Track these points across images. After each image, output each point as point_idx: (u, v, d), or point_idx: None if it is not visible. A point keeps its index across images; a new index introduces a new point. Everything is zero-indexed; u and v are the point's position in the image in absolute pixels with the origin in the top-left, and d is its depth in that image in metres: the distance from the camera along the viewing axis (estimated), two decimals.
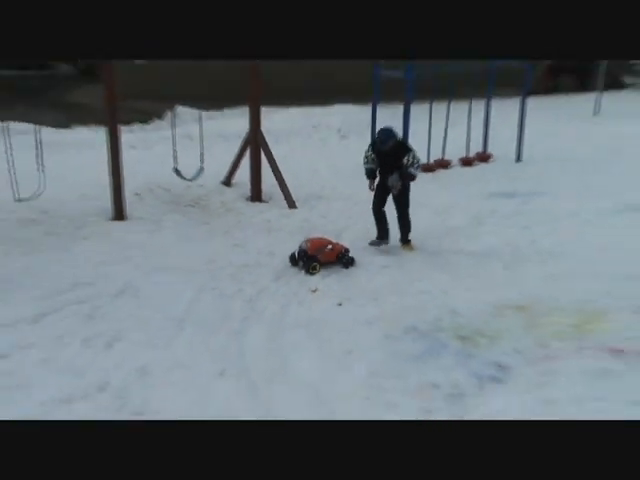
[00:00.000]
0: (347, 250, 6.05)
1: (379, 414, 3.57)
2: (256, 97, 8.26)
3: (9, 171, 6.49)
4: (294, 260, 5.96)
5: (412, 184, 6.30)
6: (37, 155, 6.67)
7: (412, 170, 6.04)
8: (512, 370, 4.04)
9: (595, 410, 3.54)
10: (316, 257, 5.81)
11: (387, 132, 6.12)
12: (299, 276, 5.74)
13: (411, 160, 6.00)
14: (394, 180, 6.12)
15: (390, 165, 6.13)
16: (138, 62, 14.58)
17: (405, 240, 6.39)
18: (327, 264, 5.88)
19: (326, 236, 6.28)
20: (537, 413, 3.54)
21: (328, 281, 5.61)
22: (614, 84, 18.08)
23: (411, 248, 6.35)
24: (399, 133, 6.36)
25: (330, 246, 5.97)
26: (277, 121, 14.02)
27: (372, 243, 6.39)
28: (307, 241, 5.97)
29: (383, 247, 6.39)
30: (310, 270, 5.73)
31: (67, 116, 14.33)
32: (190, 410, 3.61)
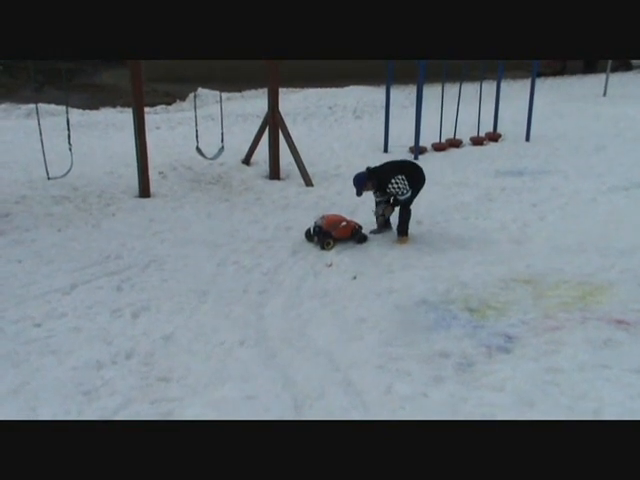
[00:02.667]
0: (360, 227, 6.15)
1: (391, 380, 3.68)
2: (274, 79, 8.38)
3: (42, 151, 6.64)
4: (309, 236, 6.07)
5: (424, 164, 6.27)
6: (68, 136, 6.83)
7: (400, 199, 5.92)
8: (519, 340, 4.11)
9: (599, 377, 3.65)
10: (330, 233, 5.90)
11: (354, 182, 6.00)
12: (315, 251, 5.85)
13: (394, 191, 5.86)
14: (378, 209, 6.14)
15: (384, 196, 6.11)
16: None
17: (400, 232, 6.07)
18: (341, 240, 5.98)
19: (341, 212, 6.39)
20: (543, 380, 3.65)
21: (343, 256, 5.70)
22: (622, 66, 17.76)
23: (404, 241, 6.01)
24: (369, 170, 6.02)
25: (344, 223, 6.05)
26: (294, 102, 14.11)
27: (373, 232, 6.30)
28: (322, 218, 6.07)
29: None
30: (325, 246, 5.85)
31: (95, 98, 14.60)
32: (211, 377, 3.75)
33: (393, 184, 5.82)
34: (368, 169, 6.02)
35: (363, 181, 5.95)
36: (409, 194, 5.90)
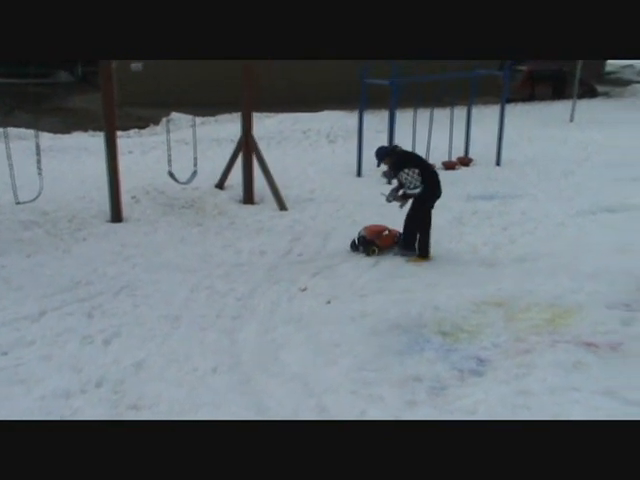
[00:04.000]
0: (402, 235, 6.36)
1: (364, 406, 3.68)
2: (249, 103, 8.43)
3: (10, 175, 6.53)
4: (355, 246, 6.36)
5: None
6: (37, 160, 6.75)
7: (409, 192, 6.04)
8: (491, 363, 4.17)
9: (568, 400, 3.71)
10: (374, 242, 6.23)
11: (376, 153, 6.29)
12: (289, 275, 5.85)
13: (403, 180, 6.00)
14: (389, 196, 6.28)
15: (394, 181, 6.32)
16: (134, 68, 14.72)
17: (420, 250, 6.23)
18: (386, 248, 6.28)
19: (315, 237, 6.50)
20: (514, 403, 3.69)
21: (317, 279, 5.73)
22: (588, 92, 18.28)
23: (421, 260, 6.16)
24: (396, 147, 6.48)
25: (387, 232, 6.35)
26: (269, 126, 14.16)
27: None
28: (364, 228, 6.40)
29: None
30: (369, 253, 6.18)
31: (66, 122, 14.43)
32: (184, 404, 3.72)
33: (406, 173, 5.97)
34: (394, 146, 6.48)
35: (383, 155, 6.24)
36: (418, 190, 5.99)
